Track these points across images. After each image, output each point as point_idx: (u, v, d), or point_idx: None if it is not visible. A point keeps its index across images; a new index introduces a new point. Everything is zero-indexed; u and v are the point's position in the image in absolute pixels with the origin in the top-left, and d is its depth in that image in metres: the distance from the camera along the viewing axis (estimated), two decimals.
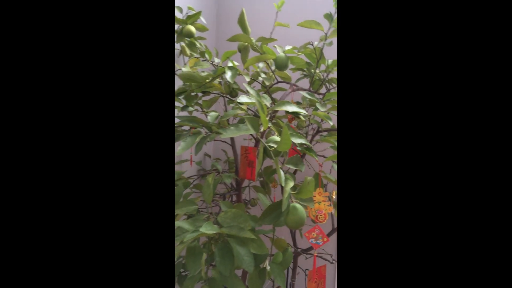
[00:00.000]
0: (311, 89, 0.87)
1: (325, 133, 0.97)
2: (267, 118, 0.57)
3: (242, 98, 0.54)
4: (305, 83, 1.10)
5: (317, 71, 0.89)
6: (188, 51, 0.87)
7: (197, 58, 0.83)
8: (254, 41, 0.80)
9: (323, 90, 1.00)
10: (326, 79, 0.85)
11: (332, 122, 0.59)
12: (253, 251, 0.51)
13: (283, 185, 0.43)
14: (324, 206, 0.52)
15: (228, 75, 0.59)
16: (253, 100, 0.49)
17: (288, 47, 0.71)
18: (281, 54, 0.67)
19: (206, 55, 0.67)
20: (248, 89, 0.51)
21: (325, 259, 0.77)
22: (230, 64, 0.63)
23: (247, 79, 0.66)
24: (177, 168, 0.97)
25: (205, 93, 0.83)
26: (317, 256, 0.84)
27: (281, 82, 0.86)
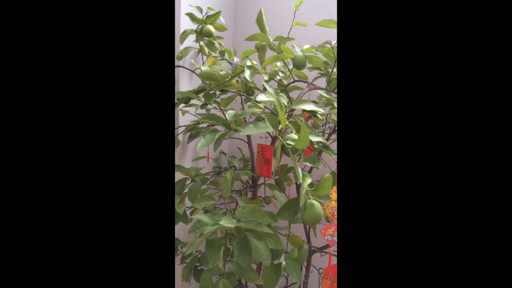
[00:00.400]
0: (328, 88, 0.88)
1: None
2: (285, 117, 0.58)
3: (261, 97, 0.55)
4: (321, 82, 1.10)
5: (335, 70, 0.90)
6: (206, 50, 0.89)
7: (215, 57, 0.85)
8: (271, 40, 0.81)
9: None
10: None
11: None
12: (270, 246, 0.52)
13: (300, 181, 0.44)
14: None
15: (247, 74, 0.60)
16: (272, 99, 0.50)
17: (306, 46, 0.72)
18: (300, 53, 0.67)
19: (226, 55, 0.69)
20: (267, 87, 0.52)
21: (323, 252, 0.78)
22: (248, 63, 0.65)
23: (266, 78, 0.67)
24: (194, 164, 0.99)
25: (223, 91, 0.85)
26: (332, 254, 0.84)
27: (297, 81, 0.87)
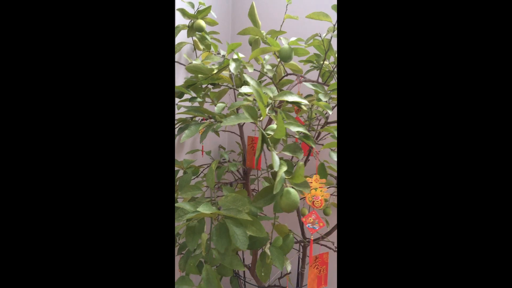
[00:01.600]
0: (319, 80, 0.88)
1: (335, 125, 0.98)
2: (269, 108, 0.59)
3: (244, 88, 0.56)
4: (315, 75, 1.10)
5: (327, 62, 0.90)
6: (200, 46, 0.91)
7: (210, 52, 0.86)
8: (264, 34, 0.82)
9: (333, 82, 1.00)
10: (335, 70, 0.85)
11: (331, 111, 0.60)
12: (253, 234, 0.54)
13: (276, 169, 0.45)
14: (320, 192, 0.53)
15: (232, 66, 0.62)
16: (250, 90, 0.51)
17: (293, 39, 0.72)
18: (285, 45, 0.68)
19: (212, 48, 0.70)
20: (248, 79, 0.53)
21: (329, 247, 0.79)
22: (235, 57, 0.66)
23: (250, 70, 0.68)
24: (189, 157, 1.01)
25: (215, 85, 0.87)
26: (321, 244, 0.85)
27: (290, 74, 0.88)
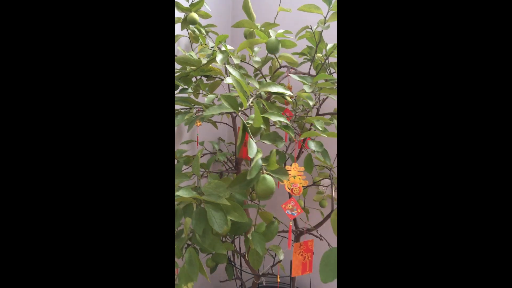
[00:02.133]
0: (310, 73, 0.89)
1: (328, 117, 0.99)
2: (253, 98, 0.61)
3: (228, 79, 0.58)
4: (308, 67, 1.11)
5: (319, 55, 0.91)
6: (199, 39, 0.93)
7: (206, 44, 0.88)
8: (259, 26, 0.84)
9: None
10: (327, 62, 0.86)
11: (312, 102, 0.61)
12: (234, 219, 0.56)
13: (251, 156, 0.47)
14: (299, 180, 0.55)
15: (219, 58, 0.64)
16: (231, 81, 0.53)
17: (280, 31, 0.74)
18: (272, 38, 0.70)
19: (200, 40, 0.72)
20: (230, 69, 0.55)
21: (315, 236, 0.80)
22: (223, 48, 0.68)
23: (236, 62, 0.70)
24: (186, 147, 1.04)
25: (208, 77, 0.89)
26: (308, 233, 0.87)
27: (284, 66, 0.89)
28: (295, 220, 1.03)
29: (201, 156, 0.94)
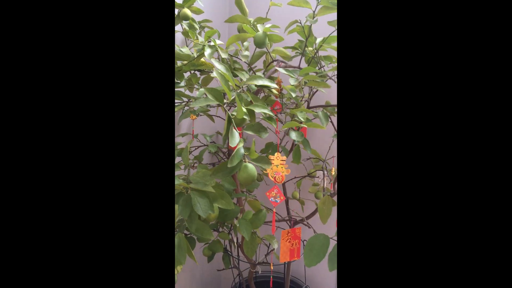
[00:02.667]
0: (301, 66, 0.91)
1: (319, 109, 1.01)
2: (239, 91, 0.63)
3: (214, 73, 0.61)
4: (302, 62, 1.13)
5: (311, 49, 0.93)
6: (195, 35, 0.95)
7: (197, 39, 0.91)
8: (252, 21, 0.86)
9: (318, 68, 1.02)
10: (317, 56, 0.88)
11: (295, 94, 0.63)
12: (221, 206, 0.59)
13: (232, 145, 0.50)
14: (281, 168, 0.58)
15: (207, 52, 0.66)
16: (214, 74, 0.56)
17: (267, 25, 0.76)
18: (259, 32, 0.72)
19: (190, 35, 0.74)
20: (214, 63, 0.58)
21: (304, 224, 0.83)
22: (211, 43, 0.70)
23: (224, 56, 0.72)
24: (180, 140, 1.07)
25: (202, 72, 0.91)
26: (298, 221, 0.90)
27: (275, 60, 0.91)
28: (287, 209, 1.06)
29: (196, 148, 0.97)
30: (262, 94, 0.99)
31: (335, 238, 0.62)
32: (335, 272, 1.31)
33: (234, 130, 0.52)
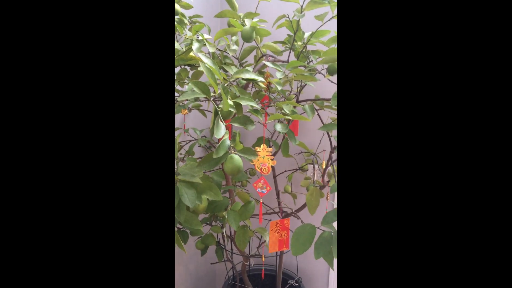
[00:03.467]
0: (290, 61, 0.92)
1: (308, 103, 1.02)
2: (227, 84, 0.64)
3: (201, 66, 0.62)
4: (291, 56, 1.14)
5: (299, 43, 0.94)
6: (187, 30, 0.96)
7: (185, 34, 0.91)
8: (241, 16, 0.87)
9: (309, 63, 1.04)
10: (305, 51, 0.89)
11: (281, 87, 0.64)
12: (210, 198, 0.61)
13: (218, 137, 0.51)
14: (267, 160, 0.59)
15: (195, 46, 0.67)
16: (203, 68, 0.57)
17: (255, 20, 0.77)
18: (247, 26, 0.73)
19: (178, 30, 0.75)
20: (203, 57, 0.59)
21: (294, 216, 0.85)
22: (200, 38, 0.71)
23: (211, 50, 0.73)
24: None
25: (192, 66, 0.92)
26: (289, 214, 0.91)
27: (265, 55, 0.92)
28: (278, 202, 1.07)
29: (187, 143, 0.98)
30: (253, 90, 1.00)
31: (322, 228, 0.64)
32: (327, 265, 1.34)
33: (220, 122, 0.53)
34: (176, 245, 0.62)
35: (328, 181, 0.91)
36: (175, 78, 0.81)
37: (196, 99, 0.84)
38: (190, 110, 1.04)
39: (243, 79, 0.63)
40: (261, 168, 0.59)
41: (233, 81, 0.67)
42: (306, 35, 0.86)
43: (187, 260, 1.32)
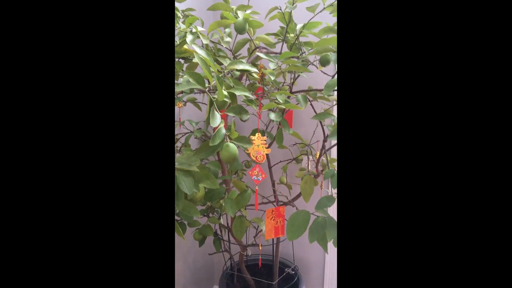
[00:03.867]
0: (281, 52, 0.94)
1: (301, 93, 1.04)
2: (221, 75, 0.65)
3: (196, 58, 0.63)
4: (284, 47, 1.15)
5: (292, 35, 0.95)
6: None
7: (179, 27, 0.92)
8: (234, 9, 0.88)
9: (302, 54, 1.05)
10: (298, 42, 0.91)
11: (274, 77, 0.66)
12: (207, 186, 0.62)
13: (214, 126, 0.53)
14: (262, 148, 0.61)
15: (189, 38, 0.68)
16: (197, 60, 0.58)
17: (248, 11, 0.78)
18: (240, 18, 0.74)
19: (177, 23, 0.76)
20: (197, 49, 0.60)
21: (290, 205, 0.87)
22: (193, 30, 0.72)
23: (205, 42, 0.75)
24: None
25: (186, 59, 0.93)
26: (285, 203, 0.93)
27: (258, 47, 0.94)
28: (274, 192, 1.10)
29: (183, 135, 0.99)
30: (247, 82, 1.01)
31: (316, 213, 0.66)
32: (323, 253, 1.37)
33: (215, 111, 0.55)
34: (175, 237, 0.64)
35: (322, 170, 0.93)
36: (177, 73, 0.82)
37: (191, 91, 0.85)
38: (185, 103, 1.05)
39: (237, 70, 0.65)
40: (256, 156, 0.60)
41: (228, 72, 0.68)
42: (298, 26, 0.87)
43: (186, 252, 1.34)
